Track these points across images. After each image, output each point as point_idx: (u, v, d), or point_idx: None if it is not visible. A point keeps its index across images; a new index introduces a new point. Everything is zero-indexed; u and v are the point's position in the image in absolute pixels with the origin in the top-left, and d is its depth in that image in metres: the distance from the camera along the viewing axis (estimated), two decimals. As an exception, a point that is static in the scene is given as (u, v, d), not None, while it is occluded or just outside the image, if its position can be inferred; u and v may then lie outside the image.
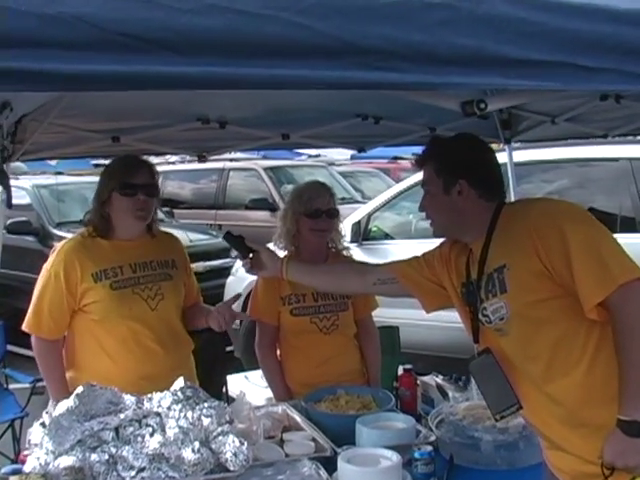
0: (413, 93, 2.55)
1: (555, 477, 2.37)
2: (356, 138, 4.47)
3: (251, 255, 2.88)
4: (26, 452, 2.48)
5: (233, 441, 2.38)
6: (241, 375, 5.32)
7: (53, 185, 9.10)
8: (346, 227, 5.87)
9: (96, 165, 13.20)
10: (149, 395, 2.59)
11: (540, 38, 1.56)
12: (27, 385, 4.77)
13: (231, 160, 11.29)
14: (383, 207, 6.88)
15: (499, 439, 2.69)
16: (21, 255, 7.68)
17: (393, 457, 2.42)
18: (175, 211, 10.21)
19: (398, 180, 12.57)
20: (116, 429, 2.43)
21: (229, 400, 3.98)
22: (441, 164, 2.39)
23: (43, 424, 2.47)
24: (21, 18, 1.28)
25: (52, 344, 3.10)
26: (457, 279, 2.49)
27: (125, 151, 3.70)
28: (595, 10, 1.61)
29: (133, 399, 2.55)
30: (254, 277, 3.48)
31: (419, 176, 2.57)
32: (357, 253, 5.31)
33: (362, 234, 6.66)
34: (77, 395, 2.49)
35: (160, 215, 3.76)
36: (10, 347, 5.41)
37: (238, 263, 7.29)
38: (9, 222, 7.25)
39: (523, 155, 5.49)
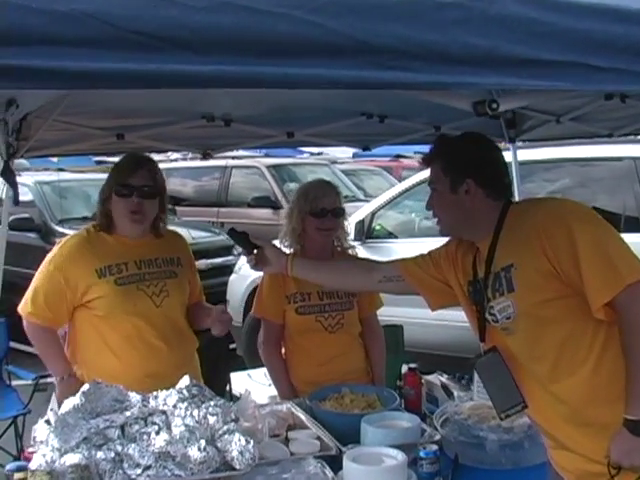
0: (426, 93, 2.55)
1: (560, 476, 2.38)
2: (361, 136, 4.46)
3: (255, 251, 2.88)
4: (31, 449, 2.47)
5: (239, 439, 2.37)
6: (244, 373, 5.32)
7: (55, 182, 9.08)
8: (349, 225, 5.86)
9: (98, 162, 13.22)
10: (154, 393, 2.58)
11: (551, 38, 1.56)
12: (30, 382, 4.77)
13: (233, 158, 11.27)
14: (387, 205, 6.88)
15: (504, 438, 2.68)
16: (23, 252, 7.66)
17: (398, 456, 2.42)
18: (177, 208, 10.18)
19: (400, 178, 12.60)
20: (122, 427, 2.42)
21: (232, 398, 3.98)
22: (448, 163, 2.38)
23: (48, 421, 2.47)
24: (31, 15, 1.28)
25: (47, 327, 3.09)
26: (463, 277, 2.49)
27: (130, 148, 3.70)
28: (606, 10, 1.61)
29: (138, 397, 2.55)
30: (257, 275, 3.49)
31: (423, 175, 2.58)
32: (360, 252, 5.29)
33: (366, 233, 6.65)
34: (83, 393, 2.49)
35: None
36: (13, 344, 5.41)
37: (241, 261, 7.30)
38: (11, 219, 7.23)
39: (526, 154, 5.48)
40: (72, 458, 2.26)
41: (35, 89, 1.98)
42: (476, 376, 3.02)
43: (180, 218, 9.78)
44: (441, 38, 1.45)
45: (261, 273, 3.34)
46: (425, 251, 2.68)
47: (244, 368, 5.62)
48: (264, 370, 4.03)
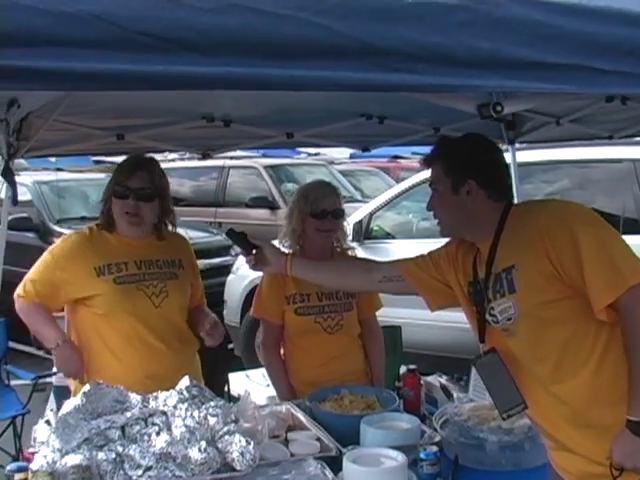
0: (431, 95, 2.55)
1: (560, 478, 2.38)
2: (360, 137, 4.46)
3: (254, 251, 2.87)
4: (31, 449, 2.47)
5: (240, 440, 2.37)
6: (242, 373, 5.31)
7: (54, 182, 9.07)
8: (348, 226, 5.86)
9: (96, 162, 13.19)
10: (155, 394, 2.58)
11: (556, 41, 1.57)
12: (28, 382, 4.77)
13: (231, 158, 11.26)
14: (385, 206, 6.88)
15: (504, 440, 2.68)
16: (21, 251, 7.63)
17: (398, 457, 2.42)
18: (175, 208, 10.16)
19: (398, 179, 12.60)
20: (122, 428, 2.42)
21: (231, 398, 3.98)
22: (450, 164, 2.38)
23: (48, 422, 2.47)
24: (39, 16, 1.27)
25: (37, 303, 3.09)
26: (464, 278, 2.49)
27: (130, 149, 3.70)
28: (611, 13, 1.61)
29: (139, 398, 2.55)
30: (255, 275, 3.48)
31: (421, 176, 2.59)
32: (358, 252, 5.30)
33: (364, 233, 6.66)
34: (84, 393, 2.49)
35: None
36: (12, 344, 5.41)
37: (239, 261, 7.28)
38: (9, 218, 7.21)
39: (525, 156, 5.48)
40: (73, 459, 2.26)
41: (42, 90, 1.98)
42: (472, 375, 3.03)
43: (178, 218, 9.76)
44: (447, 41, 1.46)
45: (259, 274, 3.34)
46: (423, 252, 2.69)
47: (242, 368, 5.62)
48: (262, 370, 4.03)
